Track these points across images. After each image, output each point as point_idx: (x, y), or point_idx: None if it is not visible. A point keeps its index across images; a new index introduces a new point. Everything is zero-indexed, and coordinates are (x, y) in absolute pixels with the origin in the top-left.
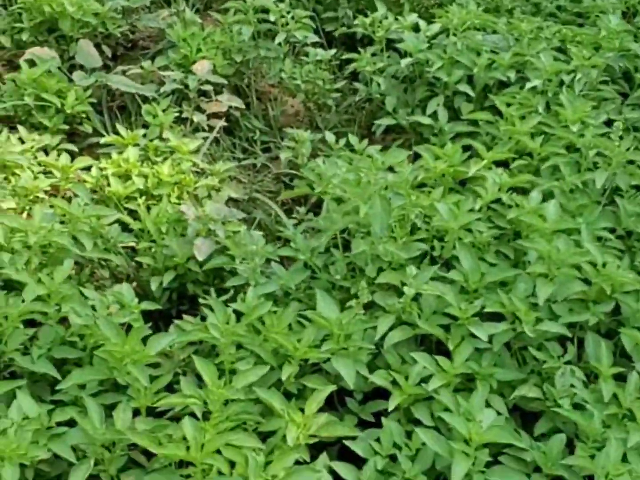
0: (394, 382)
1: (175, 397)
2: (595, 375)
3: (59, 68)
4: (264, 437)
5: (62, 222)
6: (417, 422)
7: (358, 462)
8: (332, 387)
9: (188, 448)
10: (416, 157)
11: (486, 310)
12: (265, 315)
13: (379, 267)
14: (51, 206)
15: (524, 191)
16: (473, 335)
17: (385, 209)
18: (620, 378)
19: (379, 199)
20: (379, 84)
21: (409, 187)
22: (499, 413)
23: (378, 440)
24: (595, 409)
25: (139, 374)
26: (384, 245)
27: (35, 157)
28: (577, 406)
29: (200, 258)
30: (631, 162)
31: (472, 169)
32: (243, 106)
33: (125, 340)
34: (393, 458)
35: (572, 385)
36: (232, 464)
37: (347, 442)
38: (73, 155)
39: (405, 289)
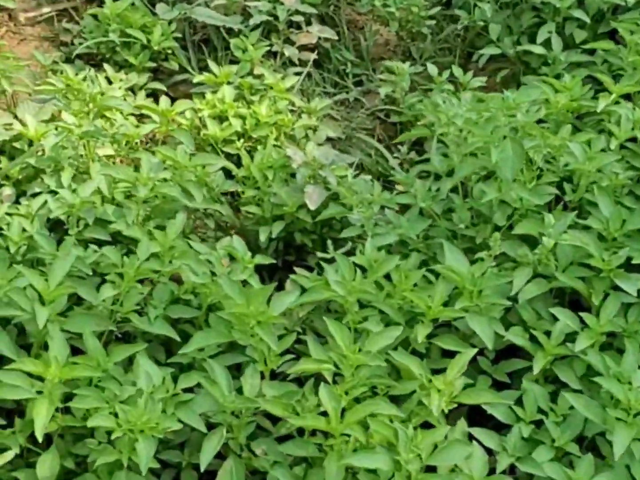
0: (532, 340)
1: (308, 362)
2: None
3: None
4: (395, 400)
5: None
6: (556, 382)
7: (488, 423)
8: (474, 350)
9: (324, 414)
10: None
11: (634, 262)
12: (392, 270)
13: (508, 214)
14: (152, 152)
15: None
16: (616, 288)
17: (517, 152)
18: None
19: (511, 142)
20: (482, 10)
21: (536, 127)
22: None
23: (518, 403)
24: None
25: (267, 336)
26: (516, 191)
27: (125, 100)
28: None
29: (312, 207)
30: None
31: (600, 103)
32: (336, 37)
33: (250, 301)
34: (536, 423)
35: None
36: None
37: (484, 406)
38: (157, 95)
39: (544, 239)
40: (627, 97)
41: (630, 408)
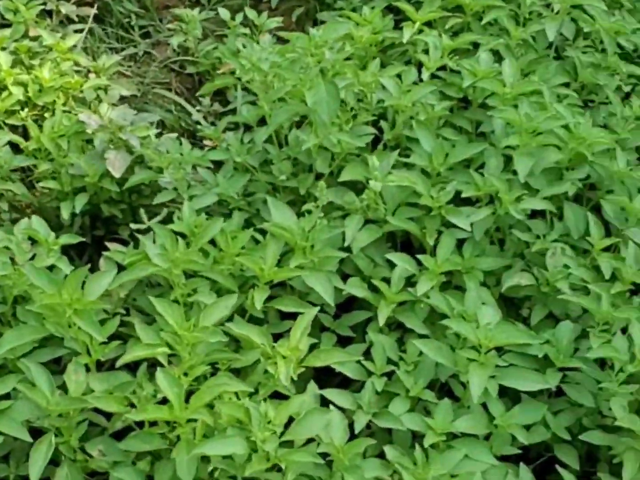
0: (372, 289)
1: (139, 348)
2: (573, 247)
3: None
4: (238, 373)
5: None
6: (400, 328)
7: (335, 380)
8: (315, 310)
9: (165, 401)
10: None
11: (463, 195)
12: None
13: (329, 160)
14: None
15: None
16: (448, 225)
17: (331, 93)
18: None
19: (324, 83)
20: None
21: (347, 64)
22: None
23: (366, 357)
24: (598, 288)
25: (87, 326)
26: (336, 136)
27: None
28: (573, 287)
29: (116, 174)
30: (576, 6)
31: (405, 34)
32: None
33: (62, 288)
34: (388, 375)
35: (565, 266)
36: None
37: (334, 365)
38: None
39: (371, 183)
40: (428, 24)
41: (481, 346)
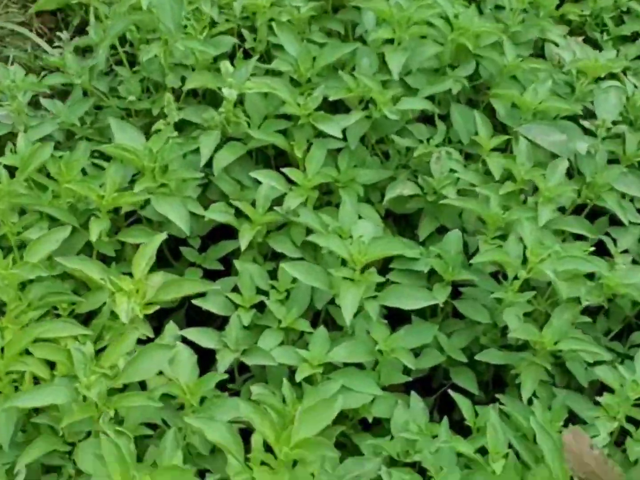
0: (239, 214)
1: None
2: (469, 156)
3: None
4: (87, 319)
5: None
6: (277, 256)
7: (214, 322)
8: (162, 236)
9: None
10: None
11: (332, 98)
12: (49, 162)
13: (182, 75)
14: None
15: None
16: (321, 135)
17: None
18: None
19: None
20: None
21: None
22: None
23: (236, 290)
24: (487, 190)
25: None
26: (183, 43)
27: None
28: (463, 193)
29: None
30: None
31: None
32: None
33: None
34: (260, 307)
35: (452, 170)
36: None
37: (196, 302)
38: None
39: (224, 91)
40: None
41: (355, 263)
